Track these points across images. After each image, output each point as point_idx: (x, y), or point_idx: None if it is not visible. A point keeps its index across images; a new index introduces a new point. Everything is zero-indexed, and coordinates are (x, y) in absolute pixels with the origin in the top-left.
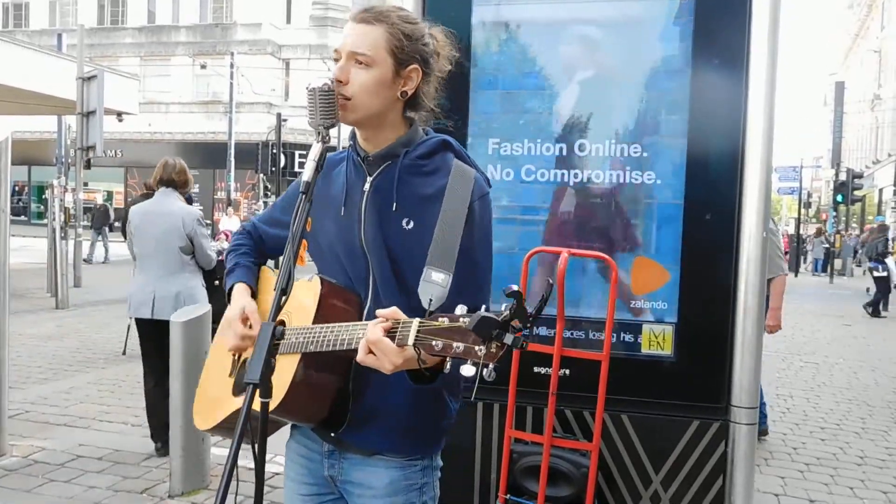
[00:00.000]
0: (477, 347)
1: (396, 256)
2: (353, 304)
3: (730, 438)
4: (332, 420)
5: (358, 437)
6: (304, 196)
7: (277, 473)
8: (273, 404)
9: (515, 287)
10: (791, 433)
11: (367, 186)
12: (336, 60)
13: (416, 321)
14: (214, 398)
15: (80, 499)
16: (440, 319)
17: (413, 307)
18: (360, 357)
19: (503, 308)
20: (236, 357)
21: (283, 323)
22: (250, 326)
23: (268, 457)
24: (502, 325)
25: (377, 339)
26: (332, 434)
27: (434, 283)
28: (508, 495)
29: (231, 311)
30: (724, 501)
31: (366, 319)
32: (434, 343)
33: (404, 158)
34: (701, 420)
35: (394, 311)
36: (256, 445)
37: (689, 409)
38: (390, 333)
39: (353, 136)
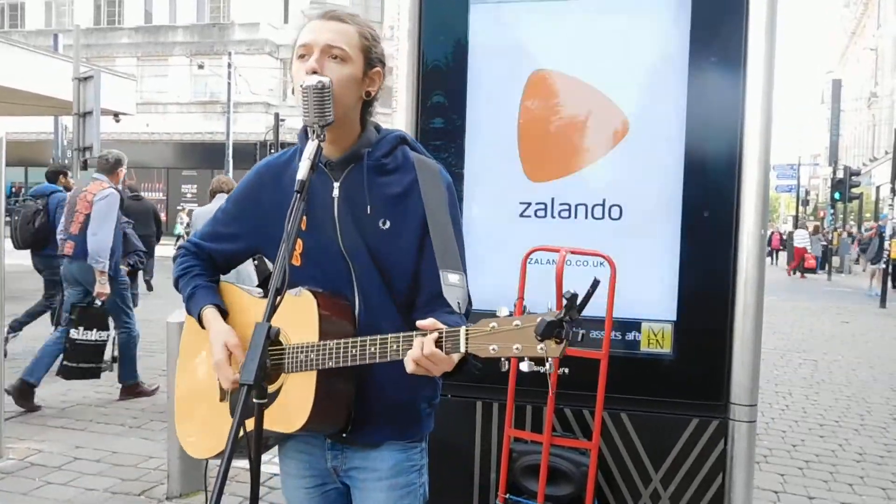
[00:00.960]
0: (539, 347)
1: (379, 258)
2: (347, 312)
3: (729, 436)
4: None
5: (365, 435)
6: (298, 195)
7: (276, 474)
8: (298, 424)
9: (572, 290)
10: (790, 430)
11: (335, 192)
12: (302, 57)
13: (462, 330)
14: (210, 426)
15: (78, 501)
16: (490, 325)
17: (400, 304)
18: (411, 369)
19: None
20: None
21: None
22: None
23: (265, 457)
24: (560, 324)
25: (431, 353)
26: (344, 435)
27: (454, 285)
28: (508, 494)
29: (216, 348)
30: (724, 499)
31: (358, 322)
32: (491, 348)
33: (368, 159)
34: (700, 418)
35: (433, 322)
36: (252, 448)
37: (688, 407)
38: (437, 343)
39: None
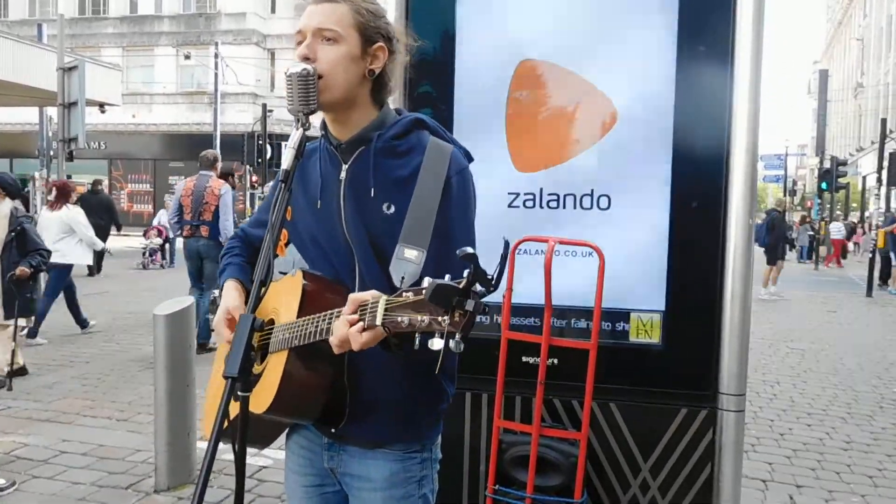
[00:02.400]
0: (440, 318)
1: (379, 243)
2: (339, 295)
3: (718, 425)
4: (332, 416)
5: (359, 431)
6: (283, 185)
7: (265, 467)
8: (265, 405)
9: (470, 249)
10: (778, 419)
11: (343, 175)
12: (299, 44)
13: (382, 299)
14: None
15: (64, 495)
16: (405, 295)
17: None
18: (333, 341)
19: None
20: None
21: (272, 322)
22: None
23: (254, 450)
24: (462, 291)
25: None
26: (333, 430)
27: (406, 259)
28: (498, 486)
29: (217, 315)
30: (713, 488)
31: None
32: (400, 320)
33: (377, 141)
34: (689, 408)
35: (362, 294)
36: (237, 440)
37: (677, 397)
38: (360, 314)
39: (324, 126)
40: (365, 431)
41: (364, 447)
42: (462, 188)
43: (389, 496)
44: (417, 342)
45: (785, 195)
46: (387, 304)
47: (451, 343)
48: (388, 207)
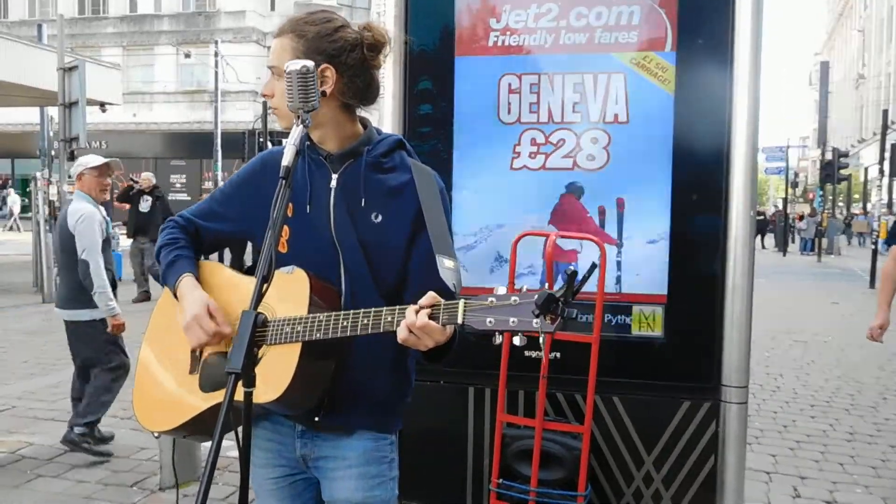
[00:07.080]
0: (534, 322)
1: (368, 248)
2: (334, 295)
3: (720, 418)
4: (317, 406)
5: (337, 419)
6: (284, 181)
7: None
8: (273, 396)
9: (573, 267)
10: (781, 411)
11: (333, 184)
12: None
13: (461, 302)
14: (171, 398)
15: (70, 493)
16: (489, 300)
17: (384, 294)
18: (402, 336)
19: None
20: (197, 353)
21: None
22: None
23: None
24: (557, 300)
25: (424, 323)
26: (317, 419)
27: (449, 268)
28: (501, 479)
29: (194, 307)
30: (716, 480)
31: (344, 308)
32: (488, 320)
33: (367, 156)
34: (692, 400)
35: (433, 297)
36: (241, 436)
37: (679, 390)
38: (432, 315)
39: (307, 137)
40: (344, 420)
41: (340, 434)
42: (445, 203)
43: (364, 473)
44: (499, 340)
45: (787, 187)
46: (466, 307)
47: (541, 339)
48: (376, 217)
